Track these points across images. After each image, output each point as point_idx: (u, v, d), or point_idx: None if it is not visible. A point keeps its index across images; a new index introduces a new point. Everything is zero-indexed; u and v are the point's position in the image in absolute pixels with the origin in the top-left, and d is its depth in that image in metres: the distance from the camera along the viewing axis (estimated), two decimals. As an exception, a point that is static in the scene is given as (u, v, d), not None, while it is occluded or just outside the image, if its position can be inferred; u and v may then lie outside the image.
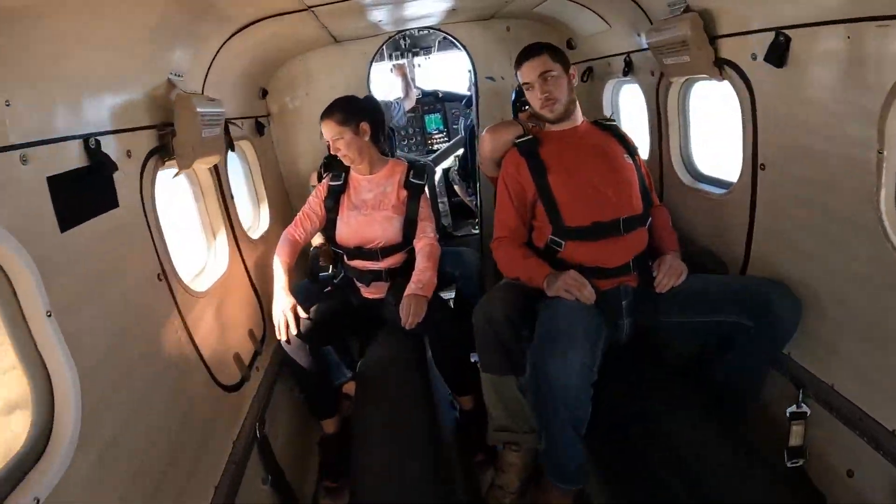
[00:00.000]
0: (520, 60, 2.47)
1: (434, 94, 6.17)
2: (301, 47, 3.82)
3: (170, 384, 1.91)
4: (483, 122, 4.17)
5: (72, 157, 1.53)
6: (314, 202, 3.01)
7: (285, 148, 4.13)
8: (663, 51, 2.44)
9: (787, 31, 1.86)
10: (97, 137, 1.63)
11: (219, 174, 2.85)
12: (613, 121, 2.70)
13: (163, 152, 2.12)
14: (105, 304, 1.61)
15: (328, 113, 2.75)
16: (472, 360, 2.64)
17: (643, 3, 2.61)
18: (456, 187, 5.59)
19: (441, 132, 6.22)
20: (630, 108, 3.73)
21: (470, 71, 4.79)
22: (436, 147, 6.11)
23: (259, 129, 3.70)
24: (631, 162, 2.47)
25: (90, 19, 1.57)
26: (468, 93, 5.19)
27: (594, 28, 3.34)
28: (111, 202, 1.70)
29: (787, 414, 2.13)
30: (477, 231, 5.58)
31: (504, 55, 4.01)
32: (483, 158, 2.82)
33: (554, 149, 2.46)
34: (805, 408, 2.11)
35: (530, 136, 2.54)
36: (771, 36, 1.92)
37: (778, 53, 1.90)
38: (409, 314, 2.54)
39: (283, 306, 2.69)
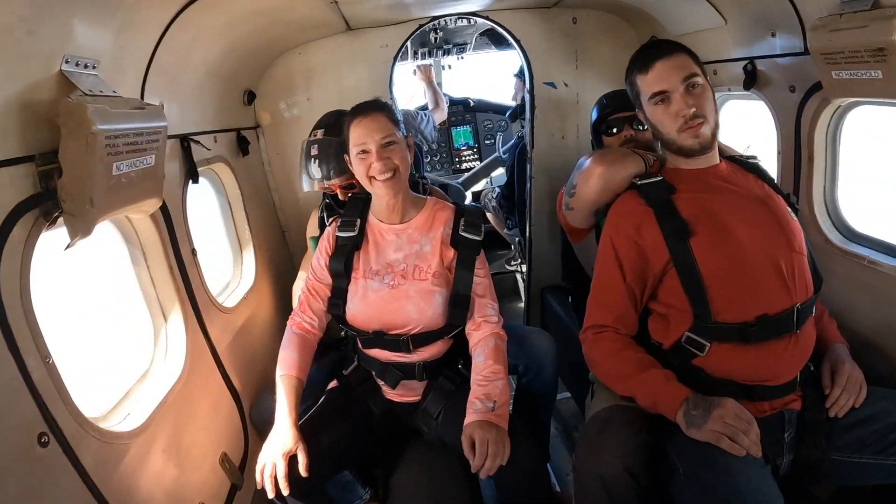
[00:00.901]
0: (645, 59, 1.76)
1: (464, 102, 5.25)
2: (301, 34, 2.94)
3: None
4: (540, 140, 3.30)
5: None
6: (319, 267, 2.02)
7: (280, 171, 3.18)
8: (837, 59, 1.78)
9: None
10: None
11: (168, 221, 1.90)
12: (756, 158, 1.94)
13: (49, 203, 1.31)
14: None
15: (370, 106, 1.90)
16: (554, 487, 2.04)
17: None
18: (489, 215, 4.62)
19: (471, 148, 5.29)
20: (734, 130, 2.82)
21: (521, 74, 3.90)
22: (465, 166, 5.24)
23: (242, 145, 2.74)
24: (796, 219, 1.80)
25: None
26: (512, 102, 4.22)
27: (697, 23, 2.60)
28: None
29: None
30: (514, 268, 4.65)
31: (568, 54, 3.24)
32: (579, 201, 1.97)
33: (694, 198, 1.75)
34: None
35: (660, 177, 1.79)
36: None
37: None
38: (487, 456, 1.65)
39: (280, 447, 1.71)
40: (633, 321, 1.79)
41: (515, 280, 4.71)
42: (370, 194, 1.95)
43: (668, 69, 1.70)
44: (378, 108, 1.89)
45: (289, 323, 2.02)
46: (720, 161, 1.81)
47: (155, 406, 1.73)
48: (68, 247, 1.32)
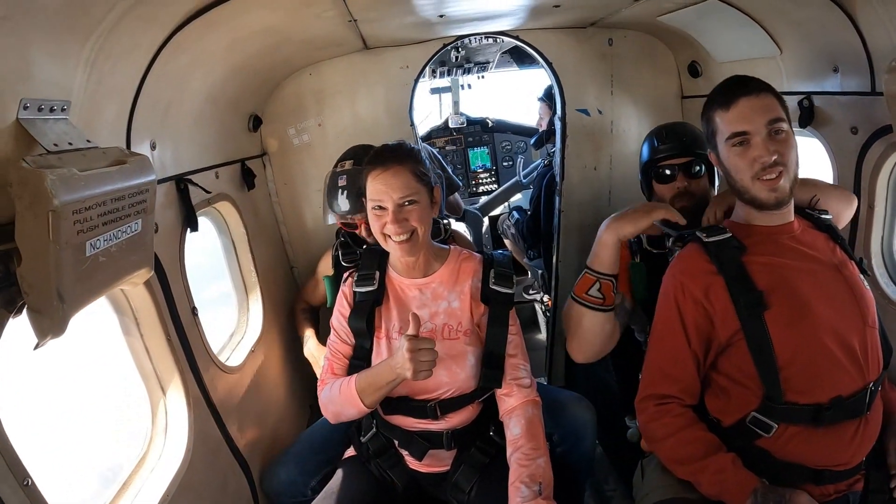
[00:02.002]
0: (728, 95, 1.60)
1: (481, 122, 4.94)
2: (313, 54, 2.66)
3: None
4: (570, 171, 3.04)
5: None
6: (340, 325, 1.82)
7: (289, 202, 2.89)
8: None
9: None
10: None
11: (164, 281, 1.67)
12: (828, 214, 1.77)
13: (10, 289, 1.05)
14: None
15: (393, 156, 1.68)
16: None
17: (862, 23, 1.75)
18: (507, 242, 4.36)
19: (488, 171, 4.96)
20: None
21: (546, 98, 3.63)
22: (482, 189, 4.91)
23: (247, 178, 2.44)
24: (869, 288, 1.65)
25: None
26: (533, 124, 3.94)
27: (747, 51, 2.39)
28: None
29: None
30: (532, 297, 4.35)
31: (603, 78, 3.00)
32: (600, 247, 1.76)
33: (768, 264, 1.59)
34: None
35: (728, 234, 1.63)
36: None
37: None
38: None
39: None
40: (698, 391, 1.65)
41: (534, 310, 4.44)
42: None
43: (753, 109, 1.54)
44: (400, 160, 1.67)
45: (319, 394, 1.83)
46: (794, 218, 1.65)
47: (158, 499, 1.48)
48: (37, 347, 1.02)
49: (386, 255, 1.81)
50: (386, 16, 2.17)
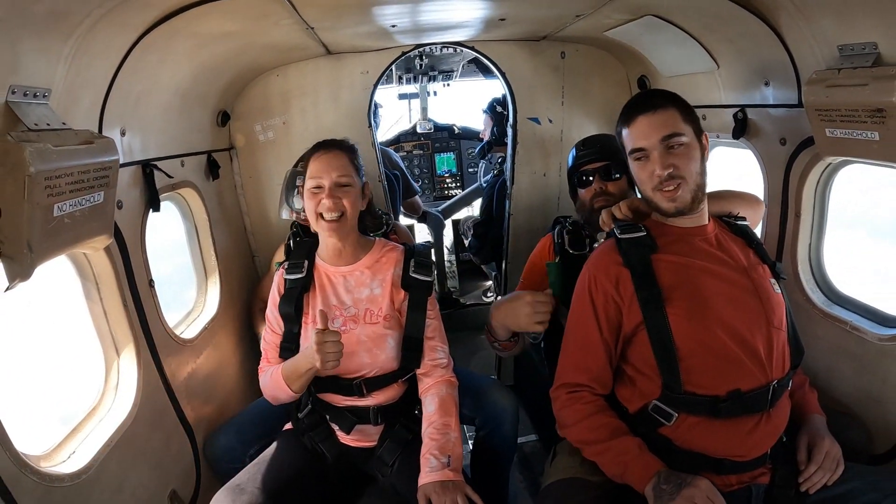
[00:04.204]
0: (630, 112, 1.69)
1: (448, 129, 5.16)
2: (279, 56, 2.83)
3: None
4: (520, 177, 3.20)
5: None
6: (273, 316, 1.96)
7: (253, 194, 3.05)
8: (832, 116, 1.68)
9: None
10: None
11: (124, 253, 1.83)
12: (745, 220, 1.86)
13: None
14: None
15: (335, 144, 1.90)
16: None
17: (789, 39, 1.84)
18: (468, 243, 4.54)
19: (453, 176, 5.17)
20: (722, 177, 2.65)
21: (490, 109, 3.81)
22: (447, 193, 5.12)
23: (212, 169, 2.62)
24: (780, 291, 1.70)
25: None
26: (481, 137, 4.15)
27: (688, 66, 2.50)
28: None
29: None
30: (490, 300, 4.56)
31: (554, 89, 3.15)
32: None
33: (675, 263, 1.66)
34: None
35: (643, 232, 1.69)
36: None
37: None
38: None
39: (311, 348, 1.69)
40: (609, 380, 1.70)
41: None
42: (318, 239, 1.92)
43: (650, 126, 1.61)
44: (342, 147, 1.87)
45: (260, 371, 1.97)
46: (709, 221, 1.72)
47: (101, 445, 1.63)
48: (7, 289, 1.23)
49: (315, 245, 1.95)
50: (341, 25, 2.34)
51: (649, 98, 1.68)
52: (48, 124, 1.28)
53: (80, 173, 1.27)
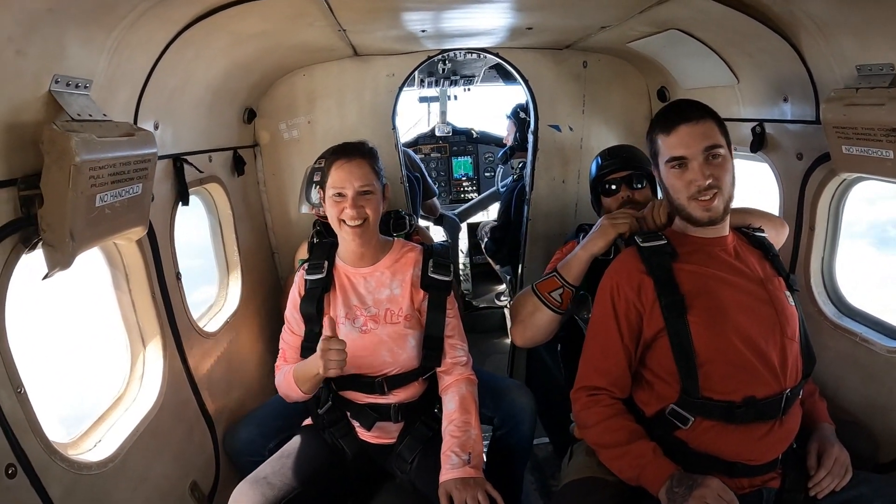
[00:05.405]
0: (670, 120, 1.69)
1: (467, 132, 5.20)
2: (306, 56, 2.86)
3: None
4: (539, 183, 3.22)
5: None
6: (292, 317, 1.99)
7: (275, 191, 3.10)
8: (849, 134, 1.72)
9: None
10: None
11: (154, 245, 1.86)
12: (763, 231, 1.89)
13: (29, 229, 1.24)
14: None
15: (356, 150, 1.87)
16: None
17: (809, 57, 1.87)
18: (484, 245, 4.54)
19: (470, 180, 5.20)
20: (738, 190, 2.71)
21: (514, 115, 3.83)
22: (463, 197, 5.13)
23: (238, 165, 2.65)
24: (794, 303, 1.73)
25: None
26: (504, 142, 4.16)
27: (709, 79, 2.54)
28: None
29: None
30: (503, 304, 4.57)
31: (576, 98, 3.18)
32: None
33: (695, 272, 1.69)
34: None
35: (664, 240, 1.72)
36: None
37: None
38: None
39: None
40: (628, 384, 1.73)
41: (503, 316, 4.63)
42: (337, 239, 1.93)
43: (691, 135, 1.63)
44: (362, 154, 1.86)
45: (277, 369, 2.00)
46: (728, 233, 1.75)
47: (127, 434, 1.66)
48: (46, 277, 1.25)
49: (335, 246, 1.96)
50: (373, 28, 2.38)
51: (690, 108, 1.69)
52: (90, 115, 1.31)
53: (121, 164, 1.29)
